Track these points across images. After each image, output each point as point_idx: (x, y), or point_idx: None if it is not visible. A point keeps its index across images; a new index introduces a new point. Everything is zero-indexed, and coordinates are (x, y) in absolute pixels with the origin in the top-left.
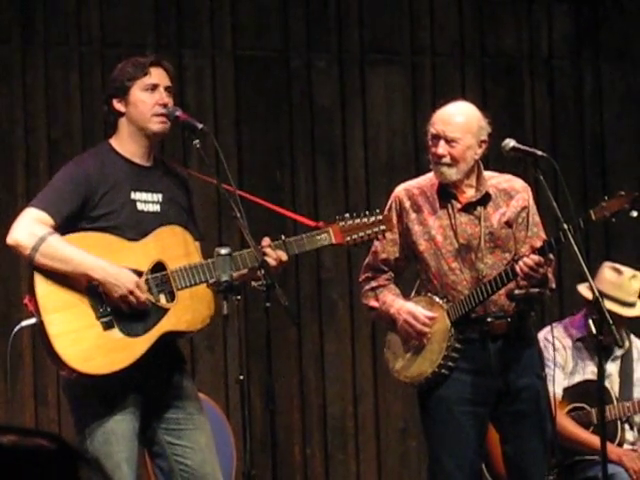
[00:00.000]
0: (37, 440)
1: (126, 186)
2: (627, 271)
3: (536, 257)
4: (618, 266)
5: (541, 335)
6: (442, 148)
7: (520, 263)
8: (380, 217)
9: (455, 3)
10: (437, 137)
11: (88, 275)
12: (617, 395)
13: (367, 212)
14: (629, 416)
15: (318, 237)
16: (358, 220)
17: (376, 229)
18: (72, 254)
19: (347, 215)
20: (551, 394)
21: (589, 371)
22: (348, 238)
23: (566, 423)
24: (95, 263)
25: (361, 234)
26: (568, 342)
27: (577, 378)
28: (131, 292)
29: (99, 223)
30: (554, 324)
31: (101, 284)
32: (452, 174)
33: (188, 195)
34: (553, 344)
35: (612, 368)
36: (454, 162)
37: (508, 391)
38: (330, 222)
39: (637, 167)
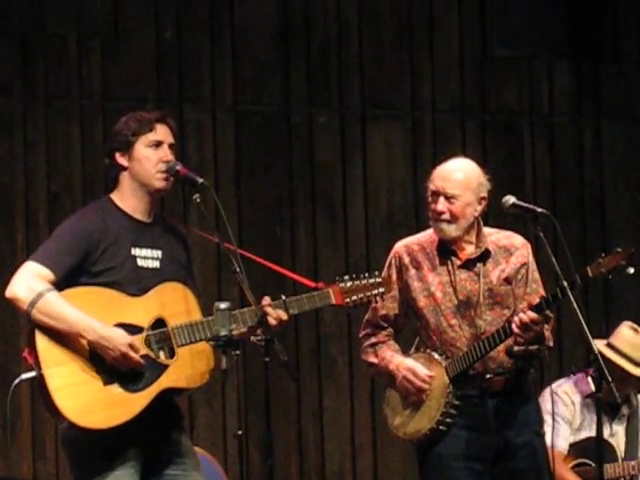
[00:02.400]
0: None
1: (127, 242)
2: None
3: (532, 314)
4: (637, 327)
5: (548, 390)
6: (442, 205)
7: (515, 319)
8: (379, 279)
9: (456, 59)
10: (437, 194)
11: (82, 336)
12: (622, 454)
13: (367, 274)
14: (633, 475)
15: (318, 298)
16: (358, 282)
17: (375, 291)
18: (67, 313)
19: (347, 277)
20: (553, 448)
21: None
22: (348, 299)
23: (570, 477)
24: (88, 325)
25: (360, 295)
26: (577, 398)
27: (584, 434)
28: (124, 355)
29: (100, 279)
30: (563, 380)
31: (94, 346)
32: (452, 231)
33: (187, 252)
34: (554, 399)
35: (618, 427)
36: (454, 219)
37: (506, 448)
38: (330, 283)
39: (636, 224)
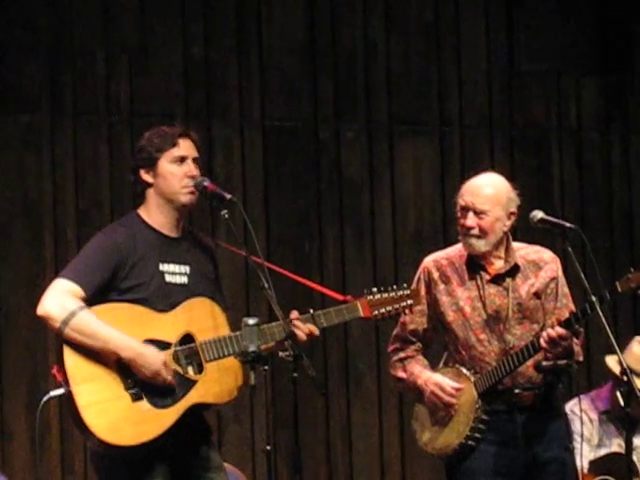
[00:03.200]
0: None
1: (154, 257)
2: None
3: (560, 329)
4: None
5: (567, 407)
6: (471, 220)
7: (544, 335)
8: (408, 291)
9: (484, 74)
10: (466, 209)
11: (116, 353)
12: None
13: (395, 286)
14: None
15: (346, 311)
16: (386, 294)
17: (404, 303)
18: (101, 330)
19: (375, 289)
20: (580, 470)
21: (615, 444)
22: (376, 312)
23: None
24: (123, 342)
25: (389, 308)
26: (594, 415)
27: (603, 451)
28: (158, 373)
29: (128, 295)
30: (581, 396)
31: (129, 363)
32: (481, 246)
33: (215, 266)
34: (581, 418)
35: (638, 441)
36: (483, 234)
37: (535, 463)
38: (358, 296)
39: None
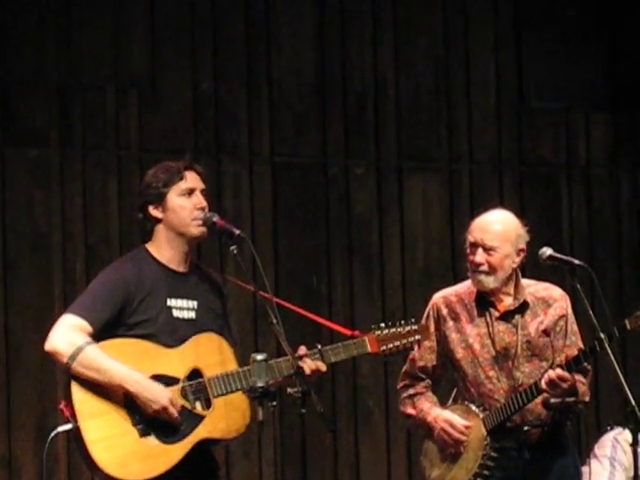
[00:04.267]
0: None
1: (162, 293)
2: None
3: (560, 371)
4: None
5: (611, 434)
6: (480, 256)
7: (545, 376)
8: (416, 327)
9: (493, 111)
10: (475, 245)
11: (123, 388)
12: None
13: (403, 321)
14: None
15: (354, 346)
16: (394, 329)
17: (412, 338)
18: (108, 365)
19: (383, 324)
20: None
21: None
22: (384, 347)
23: None
24: (130, 376)
25: (397, 343)
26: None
27: None
28: (165, 408)
29: (136, 331)
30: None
31: (135, 398)
32: (490, 282)
33: (223, 301)
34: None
35: None
36: (492, 270)
37: None
38: (366, 331)
39: None
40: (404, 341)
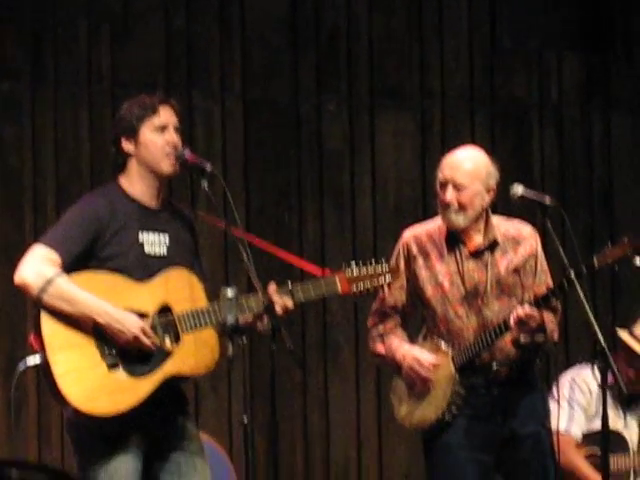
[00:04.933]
0: (43, 474)
1: (134, 227)
2: None
3: (527, 309)
4: None
5: (569, 374)
6: (450, 194)
7: (513, 314)
8: (387, 267)
9: (465, 49)
10: (445, 183)
11: (93, 319)
12: (635, 447)
13: (374, 261)
14: None
15: (325, 285)
16: (365, 269)
17: (382, 279)
18: (79, 297)
19: (353, 264)
20: (565, 434)
21: (612, 419)
22: (354, 288)
23: (580, 464)
24: (101, 307)
25: (367, 284)
26: (595, 386)
27: (598, 423)
28: (136, 338)
29: (107, 264)
30: (583, 365)
31: (106, 328)
32: (460, 220)
33: (194, 237)
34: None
35: (633, 419)
36: (462, 209)
37: (512, 438)
38: (337, 270)
39: None
40: (375, 281)
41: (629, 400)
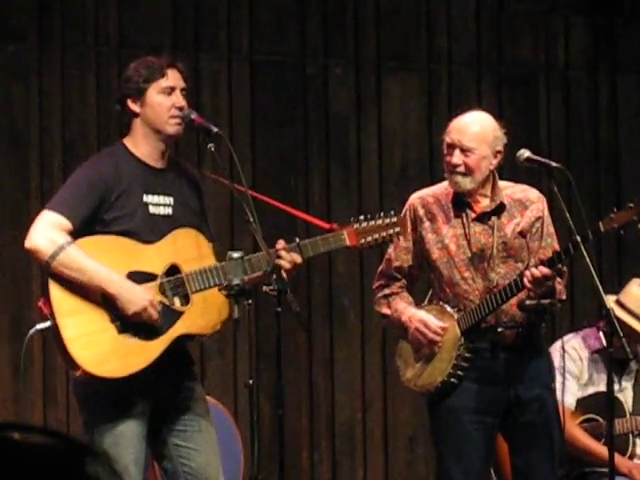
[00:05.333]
0: (46, 437)
1: (139, 189)
2: None
3: (544, 269)
4: None
5: (558, 344)
6: (457, 157)
7: (527, 274)
8: (395, 219)
9: (472, 13)
10: (452, 146)
11: (102, 288)
12: (630, 409)
13: (382, 214)
14: None
15: (333, 239)
16: (373, 222)
17: (391, 231)
18: (89, 266)
19: (362, 217)
20: (561, 404)
21: (603, 383)
22: (362, 240)
23: (578, 434)
24: (110, 278)
25: (375, 236)
26: (585, 353)
27: (591, 390)
28: (144, 309)
29: (112, 227)
30: (572, 335)
31: (115, 299)
32: (467, 183)
33: (200, 197)
34: (563, 354)
35: (627, 383)
36: (469, 172)
37: (517, 402)
38: (344, 224)
39: None
40: (383, 234)
41: (622, 365)
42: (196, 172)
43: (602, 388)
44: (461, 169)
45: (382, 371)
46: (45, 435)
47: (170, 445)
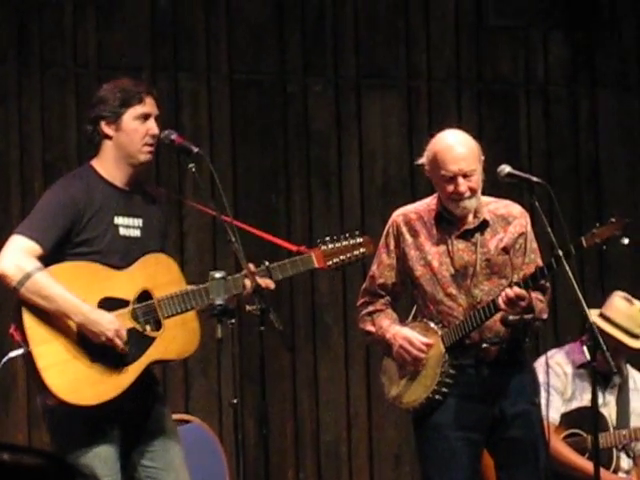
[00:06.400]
0: (37, 458)
1: (110, 211)
2: (638, 303)
3: (517, 289)
4: (629, 297)
5: (542, 360)
6: (463, 185)
7: (502, 294)
8: (360, 240)
9: (451, 28)
10: (454, 177)
11: (70, 318)
12: (614, 423)
13: (347, 235)
14: (625, 444)
15: (301, 262)
16: (339, 244)
17: (357, 252)
18: (56, 294)
19: (328, 238)
20: (545, 419)
21: (587, 398)
22: (330, 262)
23: (562, 449)
24: (77, 307)
25: (342, 257)
26: (569, 368)
27: (575, 404)
28: (110, 340)
29: (81, 248)
30: (555, 350)
31: (82, 328)
32: (472, 204)
33: (165, 219)
34: (547, 370)
35: (610, 397)
36: (473, 193)
37: (502, 417)
38: (312, 246)
39: (632, 193)
40: (349, 255)
41: (605, 379)
42: (160, 192)
43: (585, 403)
44: (468, 194)
45: (366, 389)
46: (36, 456)
47: (138, 467)
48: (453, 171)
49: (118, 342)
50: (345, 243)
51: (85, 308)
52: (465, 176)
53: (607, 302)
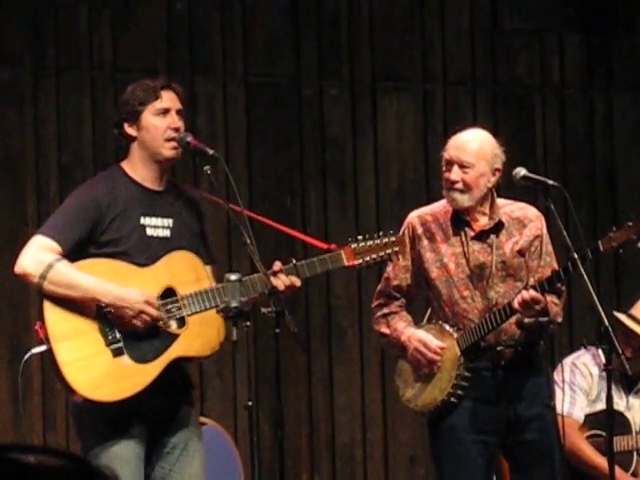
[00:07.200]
0: (60, 459)
1: (136, 211)
2: None
3: (533, 293)
4: None
5: (569, 359)
6: (455, 174)
7: (517, 297)
8: (394, 238)
9: (467, 32)
10: (451, 163)
11: (96, 299)
12: (637, 427)
13: (380, 233)
14: None
15: (330, 260)
16: (371, 242)
17: (389, 250)
18: (79, 280)
19: (359, 237)
20: (569, 417)
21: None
22: (360, 260)
23: (584, 447)
24: (102, 287)
25: (374, 256)
26: (595, 370)
27: (599, 406)
28: (142, 311)
29: (107, 249)
30: (583, 351)
31: (111, 307)
32: (464, 200)
33: (200, 219)
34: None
35: (635, 400)
36: (467, 188)
37: (517, 420)
38: (342, 244)
39: None
40: (381, 253)
41: (630, 382)
42: (195, 193)
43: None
44: (459, 186)
45: (382, 391)
46: (59, 457)
47: (156, 466)
48: (450, 155)
49: (151, 310)
50: (377, 241)
51: (111, 287)
52: (461, 167)
53: (636, 304)
